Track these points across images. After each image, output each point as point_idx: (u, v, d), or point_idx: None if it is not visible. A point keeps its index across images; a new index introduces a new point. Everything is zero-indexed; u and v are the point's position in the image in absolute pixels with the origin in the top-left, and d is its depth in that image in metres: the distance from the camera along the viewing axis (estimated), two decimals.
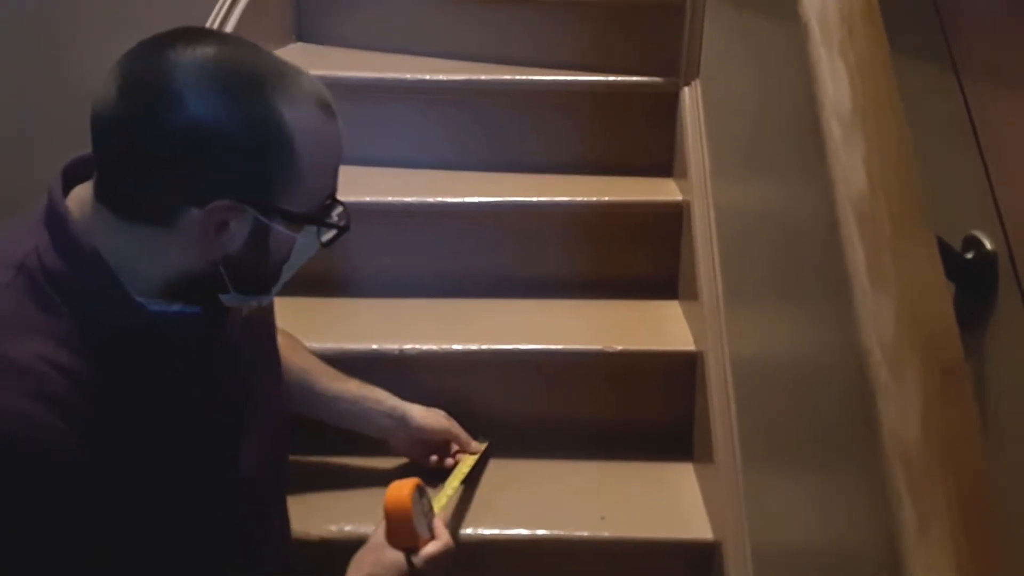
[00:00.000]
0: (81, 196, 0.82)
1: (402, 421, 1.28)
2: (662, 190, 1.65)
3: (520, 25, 1.85)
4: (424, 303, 1.58)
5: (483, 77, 1.75)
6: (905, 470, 0.58)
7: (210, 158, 0.76)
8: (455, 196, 1.61)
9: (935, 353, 0.61)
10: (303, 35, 2.04)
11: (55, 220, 0.80)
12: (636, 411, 1.47)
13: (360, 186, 1.56)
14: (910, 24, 0.79)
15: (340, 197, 0.87)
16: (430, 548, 1.03)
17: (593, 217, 1.62)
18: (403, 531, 1.02)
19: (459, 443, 1.33)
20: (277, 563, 1.04)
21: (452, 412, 1.34)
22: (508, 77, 1.75)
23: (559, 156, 1.74)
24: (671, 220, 1.59)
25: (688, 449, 1.43)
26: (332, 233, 0.86)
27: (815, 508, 0.96)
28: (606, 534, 1.26)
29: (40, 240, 0.80)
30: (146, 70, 0.76)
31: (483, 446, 1.36)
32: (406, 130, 1.76)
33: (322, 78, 0.84)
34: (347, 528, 1.25)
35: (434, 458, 1.32)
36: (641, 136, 1.74)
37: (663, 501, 1.34)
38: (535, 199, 1.61)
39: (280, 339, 1.09)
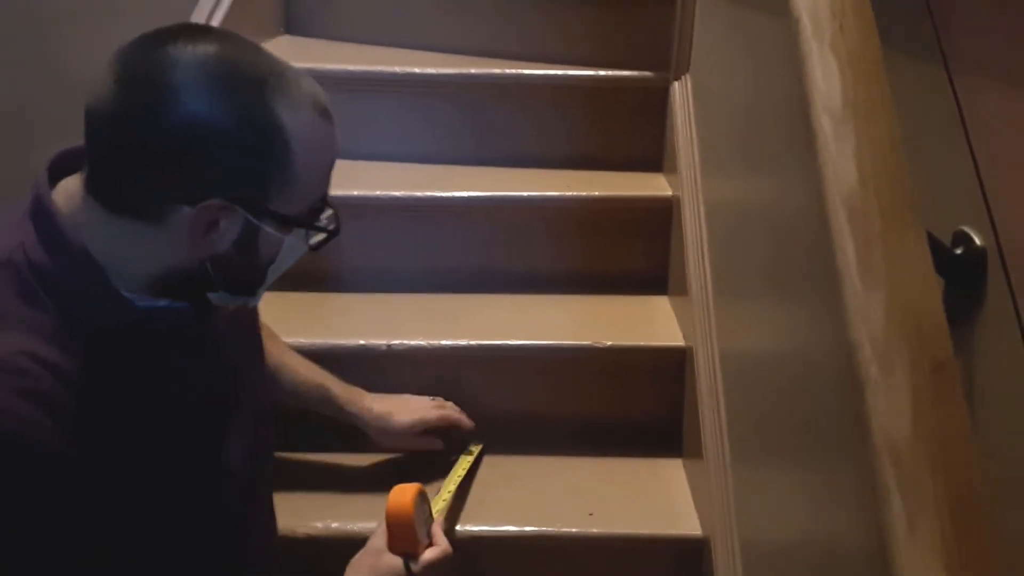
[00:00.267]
0: (69, 189, 0.81)
1: (384, 431, 1.29)
2: (652, 185, 1.65)
3: (509, 19, 1.84)
4: (412, 298, 1.57)
5: (472, 71, 1.74)
6: (894, 466, 0.58)
7: (205, 156, 0.76)
8: (443, 191, 1.60)
9: (925, 348, 0.61)
10: (291, 28, 2.02)
11: (42, 215, 0.79)
12: (625, 407, 1.47)
13: (348, 180, 1.54)
14: (901, 19, 0.79)
15: (328, 191, 0.86)
16: (429, 554, 1.02)
17: (582, 212, 1.62)
18: (405, 537, 1.01)
19: (450, 423, 1.33)
20: (263, 556, 1.04)
21: None
22: (497, 71, 1.74)
23: (548, 151, 1.73)
24: (660, 215, 1.59)
25: (677, 445, 1.43)
26: (321, 237, 0.86)
27: (804, 504, 0.96)
28: (595, 530, 1.27)
29: (26, 235, 0.79)
30: (145, 65, 0.76)
31: (478, 449, 1.36)
32: (394, 124, 1.75)
33: (310, 71, 0.84)
34: (334, 525, 1.24)
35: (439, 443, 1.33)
36: (631, 131, 1.73)
37: (652, 497, 1.34)
38: (524, 194, 1.61)
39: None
